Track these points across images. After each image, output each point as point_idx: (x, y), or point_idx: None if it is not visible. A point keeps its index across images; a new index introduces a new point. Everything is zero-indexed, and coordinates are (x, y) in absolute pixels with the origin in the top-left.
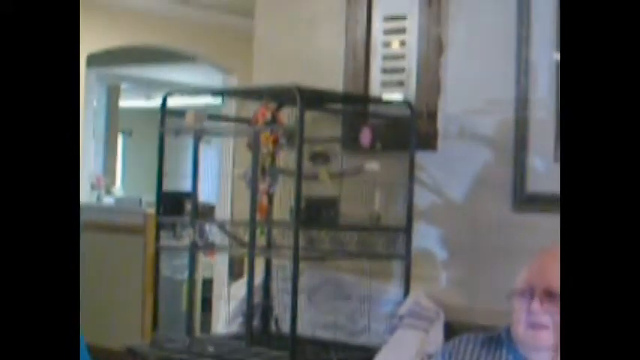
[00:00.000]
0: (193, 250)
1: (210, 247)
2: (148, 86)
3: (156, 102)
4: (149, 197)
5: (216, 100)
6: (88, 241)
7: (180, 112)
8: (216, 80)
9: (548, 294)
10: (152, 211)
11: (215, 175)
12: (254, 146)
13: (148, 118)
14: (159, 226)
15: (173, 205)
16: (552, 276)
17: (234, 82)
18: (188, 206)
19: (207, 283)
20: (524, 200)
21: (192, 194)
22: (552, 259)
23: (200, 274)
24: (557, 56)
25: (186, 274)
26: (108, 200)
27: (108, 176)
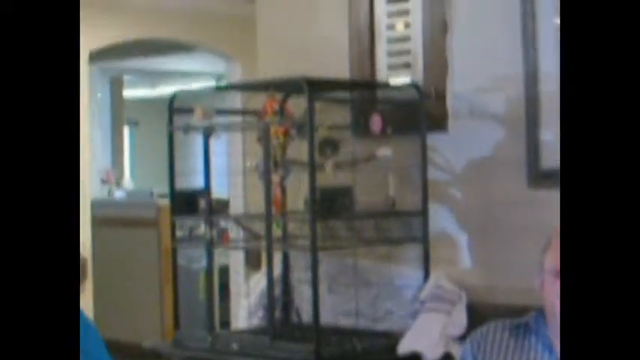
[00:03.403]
0: (210, 247)
1: (226, 240)
2: (151, 76)
3: (160, 91)
4: (160, 188)
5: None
6: (102, 237)
7: (188, 109)
8: (219, 66)
9: None
10: (164, 202)
11: (225, 169)
12: (264, 140)
13: (154, 107)
14: (174, 226)
15: (187, 204)
16: None
17: (237, 67)
18: (202, 202)
19: (224, 271)
20: (539, 176)
21: (206, 191)
22: None
23: (216, 263)
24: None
25: (201, 263)
26: (119, 194)
27: (116, 169)
